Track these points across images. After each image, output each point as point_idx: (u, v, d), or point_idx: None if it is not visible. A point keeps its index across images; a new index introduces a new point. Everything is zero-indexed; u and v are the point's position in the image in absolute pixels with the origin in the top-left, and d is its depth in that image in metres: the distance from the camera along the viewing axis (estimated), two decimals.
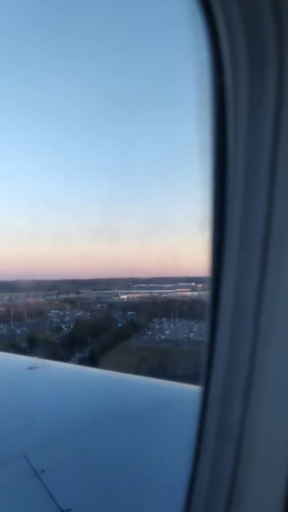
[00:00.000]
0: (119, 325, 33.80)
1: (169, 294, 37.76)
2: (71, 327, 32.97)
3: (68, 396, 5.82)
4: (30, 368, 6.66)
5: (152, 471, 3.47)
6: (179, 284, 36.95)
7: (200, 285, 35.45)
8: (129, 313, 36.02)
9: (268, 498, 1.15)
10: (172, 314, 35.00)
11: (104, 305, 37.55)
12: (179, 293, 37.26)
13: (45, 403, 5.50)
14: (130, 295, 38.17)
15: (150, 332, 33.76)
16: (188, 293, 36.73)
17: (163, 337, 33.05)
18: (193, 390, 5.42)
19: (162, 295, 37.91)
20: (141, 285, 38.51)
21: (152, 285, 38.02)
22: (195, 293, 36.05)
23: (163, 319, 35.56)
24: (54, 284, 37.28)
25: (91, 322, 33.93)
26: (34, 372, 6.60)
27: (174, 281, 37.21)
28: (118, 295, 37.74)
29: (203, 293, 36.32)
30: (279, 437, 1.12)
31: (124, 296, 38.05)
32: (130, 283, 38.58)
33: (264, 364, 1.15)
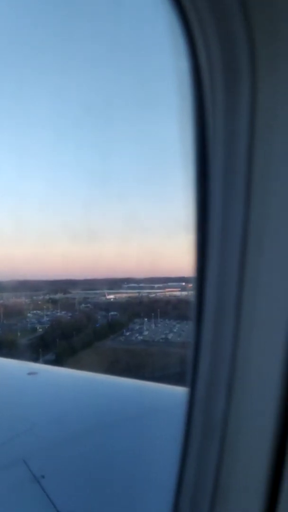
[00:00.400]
0: (97, 325, 32.75)
1: (158, 294, 37.58)
2: (46, 327, 32.57)
3: (68, 401, 5.80)
4: (30, 374, 6.68)
5: (151, 475, 3.48)
6: (169, 284, 36.83)
7: (190, 285, 35.47)
8: (111, 313, 35.64)
9: (251, 493, 1.18)
10: (155, 314, 34.88)
11: (89, 305, 37.17)
12: (168, 293, 37.18)
13: (45, 408, 5.55)
14: (118, 295, 37.94)
15: (128, 333, 33.06)
16: (177, 293, 36.60)
17: (140, 338, 32.32)
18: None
19: (150, 295, 37.71)
20: (132, 285, 38.31)
21: (142, 285, 37.85)
22: (184, 293, 36.00)
23: (145, 319, 35.25)
24: (46, 285, 36.86)
25: (69, 323, 33.10)
26: (34, 377, 6.60)
27: (165, 281, 37.12)
28: (104, 295, 37.49)
29: (192, 293, 36.41)
30: (261, 434, 1.15)
31: (111, 296, 37.78)
32: (125, 283, 38.39)
33: (245, 362, 1.18)
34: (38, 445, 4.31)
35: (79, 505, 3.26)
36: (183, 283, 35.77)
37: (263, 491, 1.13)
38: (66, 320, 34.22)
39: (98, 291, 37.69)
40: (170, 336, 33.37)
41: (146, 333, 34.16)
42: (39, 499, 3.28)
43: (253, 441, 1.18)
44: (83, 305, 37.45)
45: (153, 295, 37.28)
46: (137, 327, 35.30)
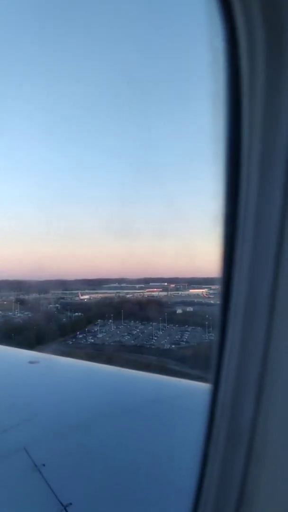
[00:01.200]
0: (52, 326, 32.73)
1: (135, 295, 37.82)
2: None
3: (69, 391, 5.84)
4: (31, 362, 6.70)
5: (151, 465, 3.53)
6: (151, 284, 37.10)
7: (172, 285, 35.73)
8: (75, 314, 35.57)
9: (278, 503, 1.14)
10: (122, 315, 34.97)
11: (58, 305, 37.09)
12: (147, 294, 37.44)
13: (46, 397, 5.56)
14: (94, 296, 37.91)
15: (81, 335, 33.09)
16: (155, 293, 36.98)
17: (91, 341, 32.49)
18: (193, 386, 5.47)
19: (128, 295, 37.91)
20: (112, 285, 38.37)
21: (124, 285, 37.99)
22: (163, 293, 36.36)
23: (110, 320, 35.23)
24: (31, 285, 36.65)
25: (23, 324, 32.49)
26: (35, 366, 6.63)
27: (147, 281, 37.37)
28: (78, 296, 37.34)
29: (172, 293, 36.66)
30: None
31: (85, 297, 37.71)
32: (108, 283, 38.32)
33: (276, 366, 1.13)
34: (39, 434, 4.32)
35: (79, 493, 3.29)
36: (165, 283, 36.19)
37: None
38: (22, 321, 33.40)
39: (74, 292, 37.64)
40: (125, 338, 33.40)
41: (100, 335, 33.95)
42: (40, 488, 3.31)
43: (281, 448, 1.13)
44: (51, 305, 37.20)
45: (130, 295, 37.47)
46: (95, 328, 34.98)
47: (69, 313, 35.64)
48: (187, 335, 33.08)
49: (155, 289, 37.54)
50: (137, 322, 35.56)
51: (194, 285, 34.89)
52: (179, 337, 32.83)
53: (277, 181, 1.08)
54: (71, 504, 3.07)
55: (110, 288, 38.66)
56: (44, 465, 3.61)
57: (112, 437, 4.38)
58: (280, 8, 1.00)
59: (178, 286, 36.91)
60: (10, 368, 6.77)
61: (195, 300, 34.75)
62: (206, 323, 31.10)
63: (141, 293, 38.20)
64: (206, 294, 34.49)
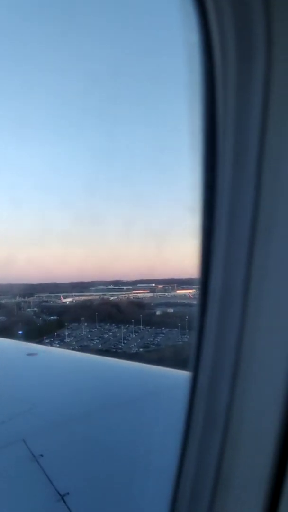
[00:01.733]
0: (20, 332, 32.30)
1: (120, 297, 37.67)
2: None
3: (67, 382, 5.90)
4: (29, 354, 6.74)
5: (149, 457, 3.54)
6: (138, 285, 37.00)
7: (160, 286, 35.72)
8: (51, 317, 35.18)
9: (253, 484, 1.16)
10: (99, 317, 34.64)
11: (36, 309, 36.75)
12: (133, 295, 37.35)
13: (44, 389, 5.62)
14: (77, 298, 37.66)
15: (48, 340, 32.87)
16: (141, 295, 36.92)
17: (56, 346, 31.76)
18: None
19: (112, 297, 37.73)
20: (100, 287, 38.21)
21: (111, 286, 37.83)
22: (150, 295, 36.34)
23: (85, 323, 34.78)
24: (17, 288, 36.31)
25: None
26: (33, 358, 6.68)
27: (136, 283, 37.22)
28: (60, 299, 37.09)
29: (159, 294, 36.62)
30: (264, 423, 1.13)
31: (68, 300, 37.52)
32: (110, 285, 38.06)
33: (250, 351, 1.15)
34: (37, 425, 4.38)
35: (77, 483, 3.35)
36: (153, 284, 36.14)
37: (266, 483, 1.12)
38: None
39: (58, 294, 37.32)
40: (94, 343, 32.93)
41: (68, 340, 33.46)
42: (38, 478, 3.37)
43: (256, 432, 1.16)
44: (30, 309, 36.84)
45: (116, 297, 37.29)
46: (66, 332, 34.66)
47: (45, 317, 35.31)
48: (160, 337, 32.92)
49: (142, 290, 37.50)
50: (113, 325, 35.30)
51: (185, 286, 34.86)
52: (151, 339, 32.52)
53: (250, 173, 1.11)
54: (68, 493, 3.12)
55: (98, 291, 38.48)
56: (42, 455, 3.67)
57: (109, 427, 4.44)
58: (249, 4, 1.03)
59: (167, 287, 36.93)
60: (9, 360, 6.82)
61: (179, 301, 34.71)
62: (184, 324, 31.00)
63: (126, 295, 38.12)
64: (192, 295, 34.53)
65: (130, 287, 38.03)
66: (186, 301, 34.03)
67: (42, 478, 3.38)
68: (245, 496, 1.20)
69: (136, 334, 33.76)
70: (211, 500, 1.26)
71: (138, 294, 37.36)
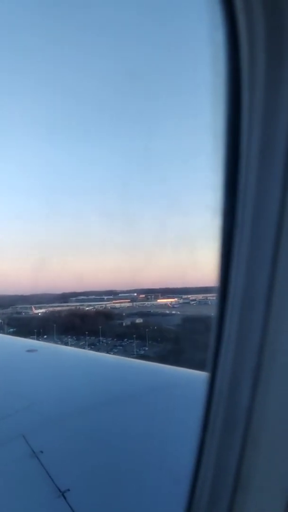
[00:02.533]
0: None
1: (97, 307, 37.34)
2: None
3: (67, 378, 5.94)
4: (29, 351, 6.73)
5: (149, 452, 3.59)
6: (120, 295, 36.77)
7: (142, 296, 35.58)
8: (10, 329, 34.74)
9: (273, 489, 1.17)
10: (61, 330, 34.09)
11: (1, 321, 36.26)
12: (111, 305, 37.12)
13: (44, 385, 5.63)
14: (52, 309, 37.22)
15: None
16: (118, 305, 36.71)
17: None
18: (190, 374, 5.40)
19: (88, 308, 37.36)
20: (81, 297, 37.86)
21: (92, 297, 37.50)
22: (128, 304, 36.18)
23: (45, 336, 34.13)
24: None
25: None
26: (33, 354, 6.67)
27: (116, 293, 36.94)
28: (32, 310, 36.68)
29: (138, 304, 36.47)
30: (285, 428, 1.14)
31: (40, 311, 37.10)
32: (98, 296, 37.55)
33: (272, 355, 1.15)
34: (37, 421, 4.39)
35: (77, 480, 3.35)
36: (135, 294, 35.91)
37: (286, 487, 1.12)
38: None
39: (33, 306, 36.88)
40: None
41: None
42: (38, 474, 3.38)
43: (276, 435, 1.16)
44: None
45: (92, 308, 36.88)
46: None
47: (7, 328, 34.77)
48: (116, 350, 32.21)
49: (123, 300, 37.33)
50: (73, 337, 34.76)
51: (169, 295, 34.76)
52: (105, 352, 32.03)
53: (276, 176, 1.09)
54: (68, 490, 3.14)
55: (79, 301, 38.14)
56: (42, 452, 3.69)
57: (110, 424, 4.46)
58: (281, 2, 1.01)
59: (150, 296, 36.83)
60: (9, 357, 6.82)
61: (152, 311, 34.57)
62: (147, 335, 30.80)
63: (104, 305, 37.84)
64: (171, 304, 34.58)
65: (112, 296, 37.82)
66: (161, 311, 33.91)
67: (42, 474, 3.39)
68: (264, 499, 1.20)
69: (93, 346, 32.82)
70: (230, 503, 1.25)
71: (116, 304, 37.21)
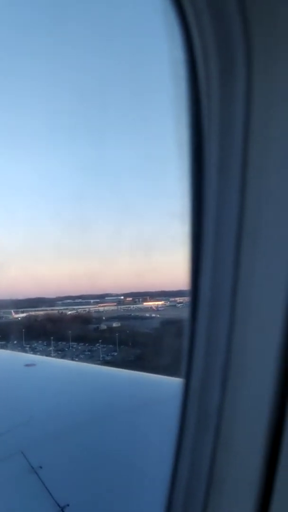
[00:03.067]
0: None
1: (79, 311, 36.92)
2: None
3: (65, 393, 5.91)
4: (27, 365, 6.75)
5: (147, 466, 3.55)
6: (106, 298, 36.46)
7: (129, 299, 35.34)
8: None
9: (245, 485, 1.18)
10: (32, 335, 33.66)
11: None
12: (94, 309, 36.76)
13: (43, 400, 5.65)
14: (33, 313, 36.83)
15: None
16: (102, 309, 36.39)
17: None
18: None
19: (69, 312, 36.95)
20: (67, 301, 37.48)
21: (79, 300, 37.11)
22: (113, 308, 35.93)
23: (15, 341, 33.46)
24: None
25: None
26: (31, 369, 6.69)
27: (103, 296, 36.54)
28: (11, 314, 36.32)
29: (122, 307, 36.18)
30: (256, 426, 1.15)
31: (19, 315, 36.68)
32: (85, 300, 37.10)
33: (240, 353, 1.18)
34: (36, 437, 4.40)
35: (76, 495, 3.38)
36: (122, 297, 35.62)
37: (257, 483, 1.14)
38: None
39: (12, 310, 36.47)
40: None
41: None
42: (37, 490, 3.40)
43: (247, 433, 1.18)
44: None
45: (74, 311, 36.39)
46: None
47: None
48: (84, 355, 31.67)
49: (109, 303, 37.02)
50: (44, 342, 34.29)
51: (158, 298, 34.49)
52: (71, 358, 31.45)
53: (234, 179, 1.15)
54: (68, 505, 3.17)
55: (64, 304, 37.73)
56: (41, 467, 3.70)
57: (109, 438, 4.47)
58: (229, 23, 1.09)
59: (137, 300, 36.58)
60: (6, 371, 6.77)
61: (132, 314, 34.25)
62: (120, 339, 30.30)
63: (87, 309, 37.46)
64: (155, 307, 34.42)
65: (98, 300, 37.45)
66: (142, 314, 33.52)
67: (42, 490, 3.41)
68: (238, 496, 1.22)
69: (60, 352, 32.25)
70: (204, 504, 1.28)
71: (101, 308, 36.96)
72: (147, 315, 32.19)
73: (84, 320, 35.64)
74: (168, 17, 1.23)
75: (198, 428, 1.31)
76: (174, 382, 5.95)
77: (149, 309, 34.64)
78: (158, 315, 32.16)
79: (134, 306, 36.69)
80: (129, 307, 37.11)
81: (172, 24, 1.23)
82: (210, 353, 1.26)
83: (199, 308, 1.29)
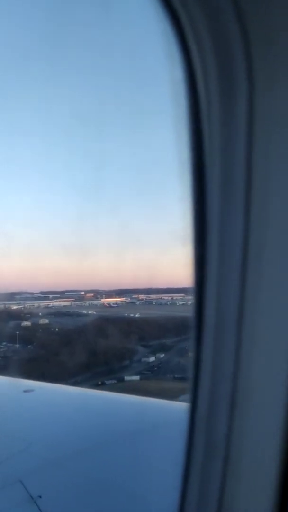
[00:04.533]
0: None
1: (24, 306, 36.35)
2: None
3: (64, 419, 5.79)
4: (25, 391, 6.56)
5: (151, 494, 3.54)
6: (66, 294, 35.81)
7: (89, 295, 34.89)
8: None
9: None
10: None
11: None
12: (44, 304, 36.20)
13: (41, 426, 5.50)
14: None
15: None
16: (51, 304, 35.90)
17: None
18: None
19: (15, 307, 36.30)
20: (27, 295, 36.60)
21: (39, 295, 36.29)
22: (64, 304, 35.43)
23: None
24: None
25: None
26: (29, 395, 6.50)
27: (63, 292, 35.98)
28: None
29: (77, 303, 35.72)
30: (264, 453, 1.14)
31: None
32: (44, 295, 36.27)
33: (247, 379, 1.17)
34: (35, 465, 4.26)
35: None
36: (83, 292, 35.05)
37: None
38: None
39: None
40: None
41: None
42: None
43: (256, 461, 1.16)
44: None
45: (21, 307, 35.85)
46: None
47: None
48: None
49: (65, 300, 36.39)
50: None
51: (126, 295, 34.10)
52: None
53: (237, 197, 1.16)
54: None
55: (24, 299, 36.76)
56: (40, 496, 3.57)
57: (109, 465, 4.36)
58: (230, 43, 1.11)
59: (99, 296, 36.11)
60: (4, 398, 6.56)
61: (72, 311, 33.60)
62: (35, 338, 30.36)
63: (34, 305, 36.74)
64: (108, 304, 34.12)
65: (58, 295, 36.71)
66: (80, 311, 33.24)
67: None
68: None
69: None
70: None
71: (50, 304, 36.26)
72: (85, 312, 31.60)
73: (13, 316, 34.66)
74: (166, 34, 1.25)
75: (205, 456, 1.29)
76: (177, 407, 5.88)
77: (100, 306, 34.25)
78: (94, 312, 31.61)
79: (89, 302, 36.27)
80: (83, 303, 36.63)
81: (170, 41, 1.24)
82: (216, 379, 1.25)
83: (205, 333, 1.28)
